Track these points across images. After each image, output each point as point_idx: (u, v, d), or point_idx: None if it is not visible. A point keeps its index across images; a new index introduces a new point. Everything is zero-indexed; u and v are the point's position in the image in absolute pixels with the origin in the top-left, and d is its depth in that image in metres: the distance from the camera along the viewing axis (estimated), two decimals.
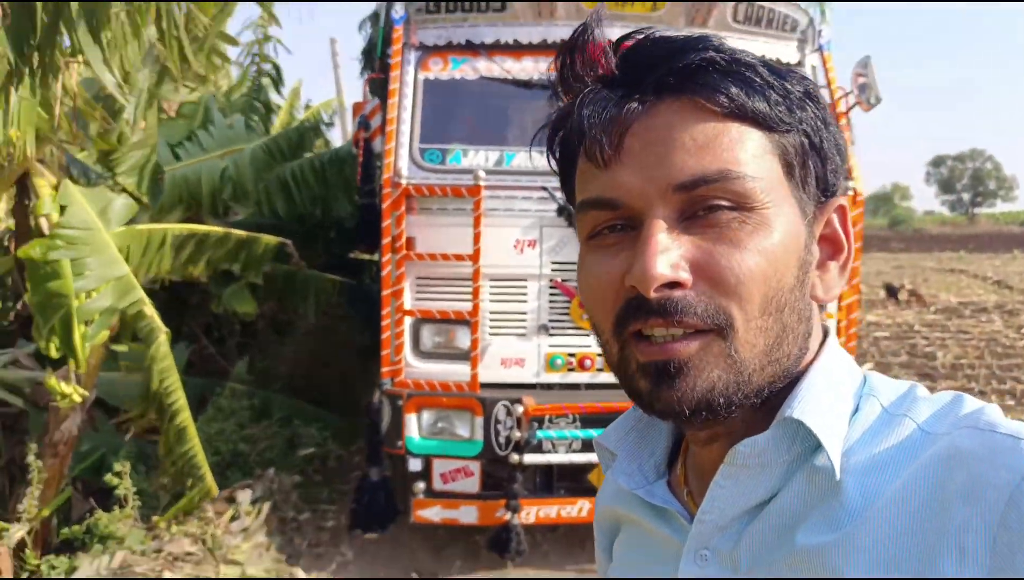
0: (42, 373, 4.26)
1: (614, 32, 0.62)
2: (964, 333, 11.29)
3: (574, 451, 3.75)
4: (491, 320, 3.89)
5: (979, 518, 0.50)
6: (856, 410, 0.60)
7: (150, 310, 3.92)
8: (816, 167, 0.62)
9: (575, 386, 3.97)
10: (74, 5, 2.12)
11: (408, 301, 3.86)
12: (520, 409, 3.68)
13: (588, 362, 3.92)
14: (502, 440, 3.73)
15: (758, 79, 0.59)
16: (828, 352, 0.63)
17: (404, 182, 3.78)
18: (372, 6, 6.83)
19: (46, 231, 3.65)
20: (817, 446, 0.58)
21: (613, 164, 0.58)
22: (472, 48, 4.02)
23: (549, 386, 3.95)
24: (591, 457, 3.68)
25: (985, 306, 13.84)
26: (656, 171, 0.57)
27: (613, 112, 0.58)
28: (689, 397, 0.56)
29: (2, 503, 4.33)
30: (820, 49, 4.34)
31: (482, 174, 3.71)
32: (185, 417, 4.00)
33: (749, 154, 0.57)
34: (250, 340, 7.02)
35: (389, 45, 4.14)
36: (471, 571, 4.21)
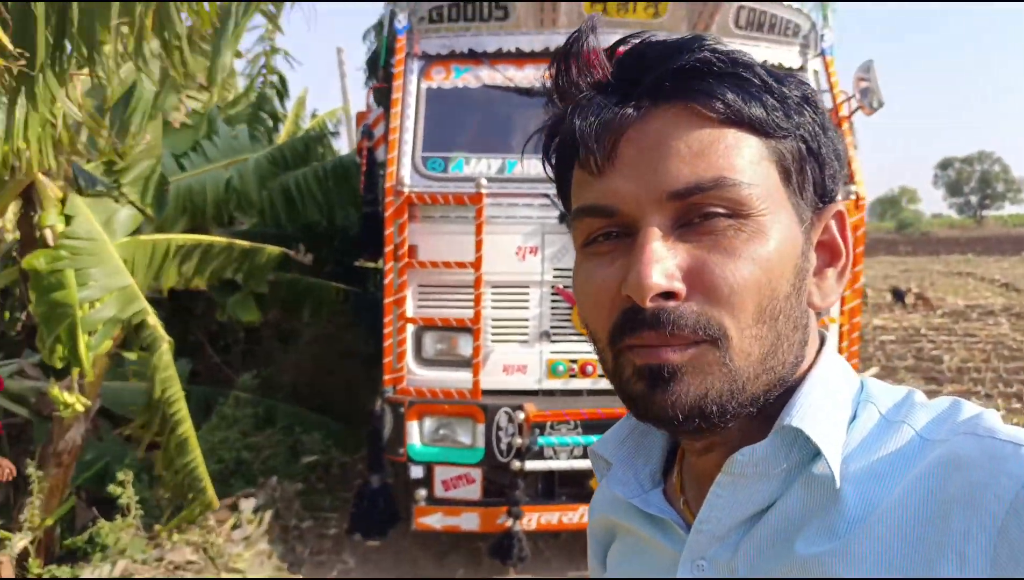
0: (47, 383, 4.28)
1: (615, 39, 0.62)
2: (971, 336, 11.24)
3: (575, 457, 3.74)
4: (493, 327, 3.89)
5: (979, 526, 0.49)
6: (854, 417, 0.60)
7: (153, 320, 3.93)
8: (814, 173, 0.61)
9: (577, 392, 3.97)
10: (75, 15, 2.14)
11: (410, 309, 3.87)
12: (521, 416, 3.68)
13: (590, 368, 3.92)
14: (504, 447, 3.72)
15: (755, 82, 0.58)
16: (825, 359, 0.62)
17: (407, 190, 3.80)
18: (377, 16, 6.87)
19: (51, 242, 3.68)
20: (815, 454, 0.57)
21: (607, 171, 0.58)
22: (475, 57, 4.04)
23: (551, 393, 3.95)
24: None
25: (992, 309, 13.77)
26: (650, 178, 0.56)
27: (607, 118, 0.57)
28: (682, 402, 0.56)
29: (6, 512, 4.35)
30: (822, 53, 4.34)
31: (484, 182, 3.72)
32: (187, 428, 4.01)
33: (745, 161, 0.57)
34: (255, 348, 7.05)
35: (392, 55, 4.16)
36: (473, 578, 4.21)
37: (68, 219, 3.79)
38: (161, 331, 3.94)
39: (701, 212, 0.56)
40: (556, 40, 3.96)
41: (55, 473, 4.15)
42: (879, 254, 30.76)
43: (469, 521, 3.90)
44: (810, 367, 0.62)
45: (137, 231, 4.59)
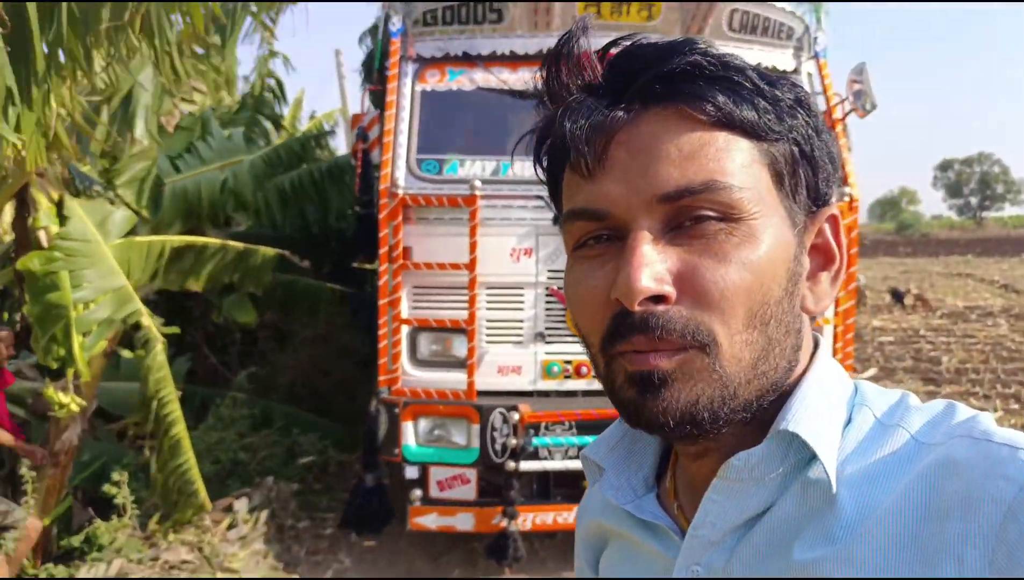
0: (44, 384, 4.29)
1: (607, 41, 0.62)
2: (970, 337, 11.24)
3: (570, 458, 3.75)
4: (488, 328, 3.90)
5: (977, 529, 0.49)
6: (849, 421, 0.60)
7: (147, 320, 3.95)
8: (807, 176, 0.60)
9: (572, 393, 3.98)
10: (65, 20, 2.15)
11: (405, 310, 3.89)
12: (516, 416, 3.69)
13: (584, 369, 3.93)
14: (498, 447, 3.73)
15: (747, 85, 0.57)
16: (819, 364, 0.62)
17: (401, 192, 3.81)
18: (373, 18, 6.88)
19: (45, 244, 3.69)
20: (811, 458, 0.57)
21: (598, 174, 0.58)
22: (469, 60, 4.05)
23: (546, 393, 3.95)
24: None
25: (991, 310, 13.77)
26: (640, 181, 0.56)
27: (598, 121, 0.57)
28: (673, 408, 0.55)
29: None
30: (816, 56, 4.35)
31: (478, 184, 3.73)
32: (180, 429, 4.02)
33: (736, 164, 0.56)
34: (251, 349, 7.06)
35: (387, 57, 4.18)
36: (469, 578, 4.22)
37: (62, 220, 3.80)
38: (155, 331, 3.95)
39: (692, 215, 0.56)
40: (550, 43, 3.86)
41: (52, 473, 4.16)
42: (878, 255, 30.77)
43: (464, 521, 3.91)
44: (804, 371, 0.61)
45: (132, 232, 4.60)
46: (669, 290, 0.55)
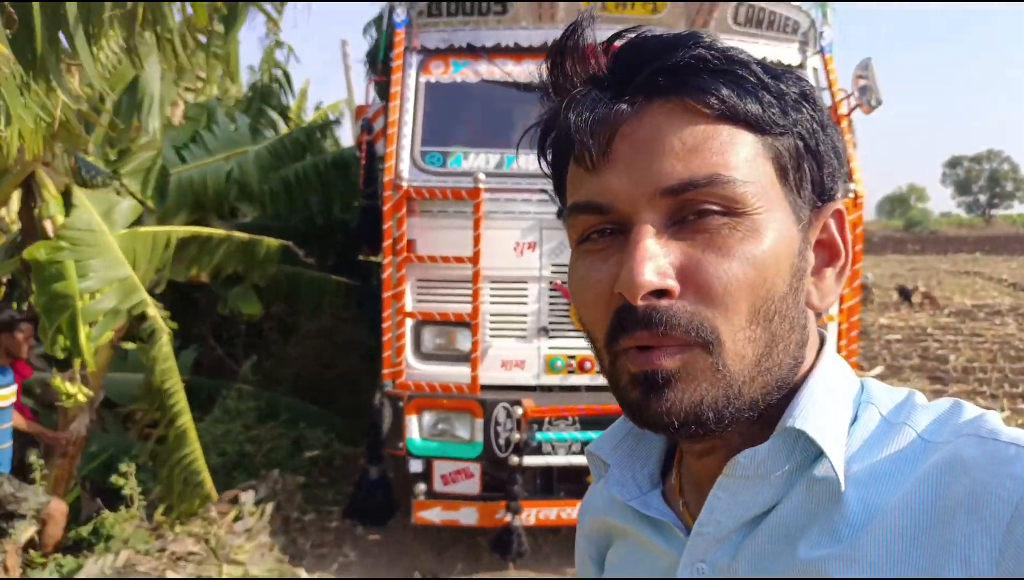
0: (51, 374, 4.31)
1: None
2: (977, 336, 11.19)
3: (574, 453, 3.75)
4: (491, 322, 3.90)
5: (984, 529, 0.49)
6: (855, 419, 0.59)
7: (153, 311, 3.96)
8: (812, 171, 0.60)
9: (575, 388, 3.98)
10: (71, 9, 2.15)
11: (409, 303, 3.89)
12: (519, 411, 3.69)
13: (588, 364, 3.93)
14: (502, 442, 3.74)
15: (751, 79, 0.57)
16: (825, 360, 0.61)
17: (405, 184, 3.81)
18: (379, 9, 6.87)
19: (51, 233, 3.71)
20: (817, 456, 0.57)
21: (602, 167, 0.57)
22: (473, 51, 4.04)
23: (549, 388, 3.96)
24: None
25: (999, 309, 13.71)
26: (644, 175, 0.55)
27: (602, 114, 0.57)
28: (677, 408, 0.55)
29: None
30: (821, 51, 4.32)
31: (482, 177, 3.72)
32: (186, 420, 4.03)
33: (740, 158, 0.56)
34: (256, 341, 7.08)
35: (391, 49, 4.17)
36: (473, 572, 4.22)
37: (69, 210, 3.82)
38: (161, 322, 3.96)
39: (695, 209, 0.55)
40: (555, 35, 3.89)
41: (60, 463, 4.18)
42: (886, 252, 30.64)
43: (468, 516, 3.91)
44: (811, 368, 0.61)
45: (138, 222, 4.62)
46: (672, 284, 0.54)
